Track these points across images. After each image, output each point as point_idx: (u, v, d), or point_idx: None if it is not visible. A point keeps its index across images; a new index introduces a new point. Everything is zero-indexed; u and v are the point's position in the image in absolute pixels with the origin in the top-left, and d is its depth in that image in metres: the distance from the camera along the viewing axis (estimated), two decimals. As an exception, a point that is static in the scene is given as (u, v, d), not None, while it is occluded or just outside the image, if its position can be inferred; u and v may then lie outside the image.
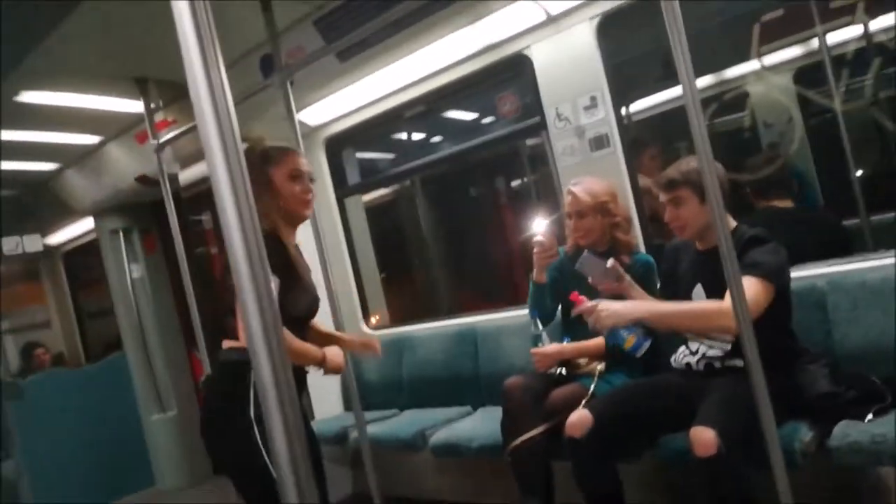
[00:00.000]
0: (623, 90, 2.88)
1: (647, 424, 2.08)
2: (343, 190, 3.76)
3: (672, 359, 2.21)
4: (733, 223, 2.01)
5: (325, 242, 2.61)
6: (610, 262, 2.15)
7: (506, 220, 5.22)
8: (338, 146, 3.75)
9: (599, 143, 2.70)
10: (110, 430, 4.54)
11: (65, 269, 5.84)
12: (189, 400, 4.78)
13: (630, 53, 3.32)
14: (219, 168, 0.66)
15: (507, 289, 5.11)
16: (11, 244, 3.92)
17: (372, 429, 2.86)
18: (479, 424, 2.71)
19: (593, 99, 2.68)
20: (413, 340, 3.43)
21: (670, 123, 3.87)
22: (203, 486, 4.66)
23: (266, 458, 1.64)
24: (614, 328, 2.00)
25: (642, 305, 2.04)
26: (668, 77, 3.66)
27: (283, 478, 0.65)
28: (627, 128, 2.79)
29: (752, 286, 1.79)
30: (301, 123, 2.51)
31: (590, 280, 2.18)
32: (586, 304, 2.01)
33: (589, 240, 2.44)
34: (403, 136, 4.49)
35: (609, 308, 1.96)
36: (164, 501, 4.47)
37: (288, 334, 1.75)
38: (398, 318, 4.09)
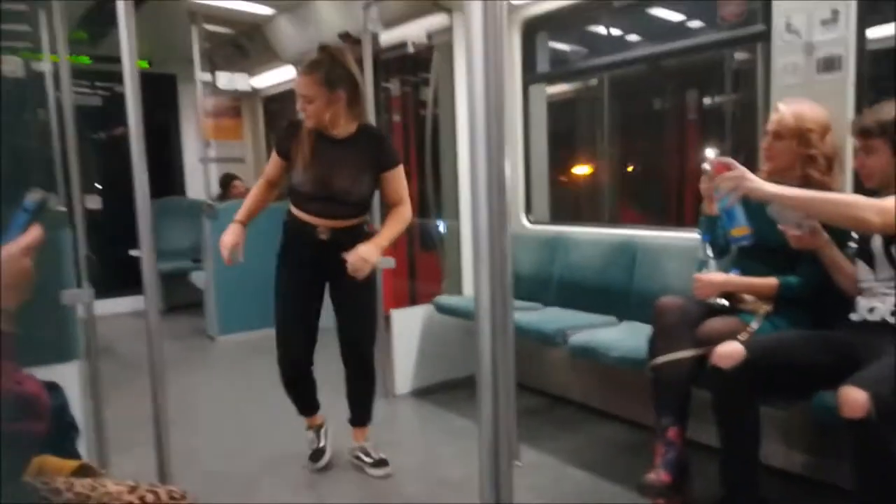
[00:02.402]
0: (873, 9, 2.49)
1: (804, 375, 1.96)
2: (530, 76, 3.68)
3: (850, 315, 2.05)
4: None
5: (504, 128, 2.61)
6: None
7: (689, 137, 4.90)
8: (533, 30, 3.63)
9: (829, 64, 2.38)
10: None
11: (263, 112, 6.37)
12: (352, 252, 5.18)
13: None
14: (475, 28, 0.67)
15: (675, 209, 4.89)
16: (224, 79, 4.31)
17: (516, 316, 2.95)
18: (622, 335, 2.70)
19: (835, 13, 2.35)
20: (569, 242, 3.42)
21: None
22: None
23: None
24: (731, 208, 2.00)
25: (786, 189, 1.91)
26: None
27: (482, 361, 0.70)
28: (865, 53, 2.43)
29: None
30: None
31: (780, 226, 2.03)
32: (734, 169, 1.92)
33: (776, 164, 2.24)
34: (602, 29, 4.25)
35: (756, 179, 1.90)
36: (319, 337, 4.99)
37: None
38: (559, 216, 4.08)
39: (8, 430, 0.78)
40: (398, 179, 2.43)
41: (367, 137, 2.40)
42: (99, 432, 2.58)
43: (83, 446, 2.04)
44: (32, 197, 0.99)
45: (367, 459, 2.60)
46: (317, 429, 2.69)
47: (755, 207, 2.31)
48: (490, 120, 0.69)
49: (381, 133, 2.47)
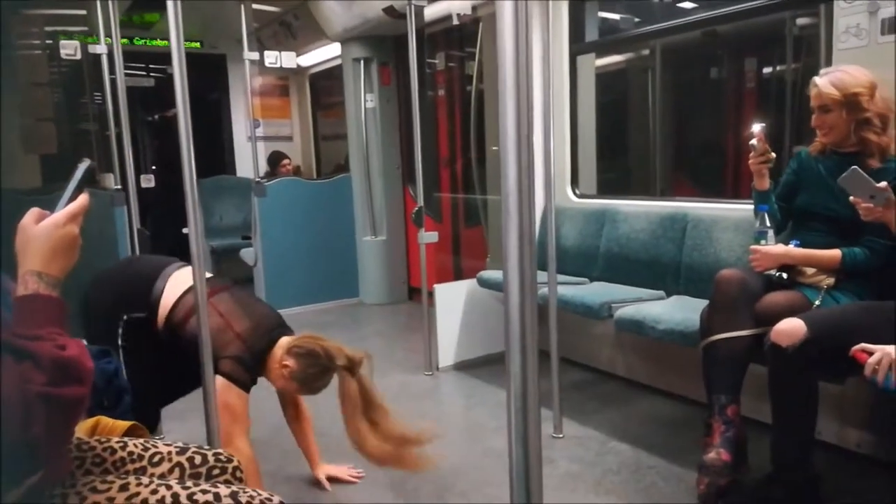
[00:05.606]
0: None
1: None
2: (578, 46, 3.60)
3: None
4: None
5: (551, 100, 2.56)
6: (883, 184, 1.88)
7: (746, 106, 4.71)
8: (582, -2, 3.55)
9: (894, 25, 2.25)
10: (329, 241, 5.16)
11: (310, 90, 6.43)
12: (398, 229, 5.23)
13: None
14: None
15: (729, 181, 4.73)
16: (272, 57, 4.36)
17: (560, 290, 2.92)
18: (670, 309, 2.64)
19: (903, -31, 2.21)
20: (617, 215, 3.35)
21: None
22: (399, 305, 5.21)
23: None
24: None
25: None
26: None
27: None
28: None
29: None
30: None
31: (851, 198, 1.93)
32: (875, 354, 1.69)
33: (832, 138, 2.14)
34: (655, -2, 4.12)
35: None
36: (365, 313, 5.08)
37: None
38: (607, 189, 4.00)
39: (50, 394, 0.80)
40: None
41: None
42: (155, 400, 2.69)
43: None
44: (80, 166, 1.01)
45: None
46: None
47: (811, 175, 2.22)
48: (520, 87, 0.67)
49: None
